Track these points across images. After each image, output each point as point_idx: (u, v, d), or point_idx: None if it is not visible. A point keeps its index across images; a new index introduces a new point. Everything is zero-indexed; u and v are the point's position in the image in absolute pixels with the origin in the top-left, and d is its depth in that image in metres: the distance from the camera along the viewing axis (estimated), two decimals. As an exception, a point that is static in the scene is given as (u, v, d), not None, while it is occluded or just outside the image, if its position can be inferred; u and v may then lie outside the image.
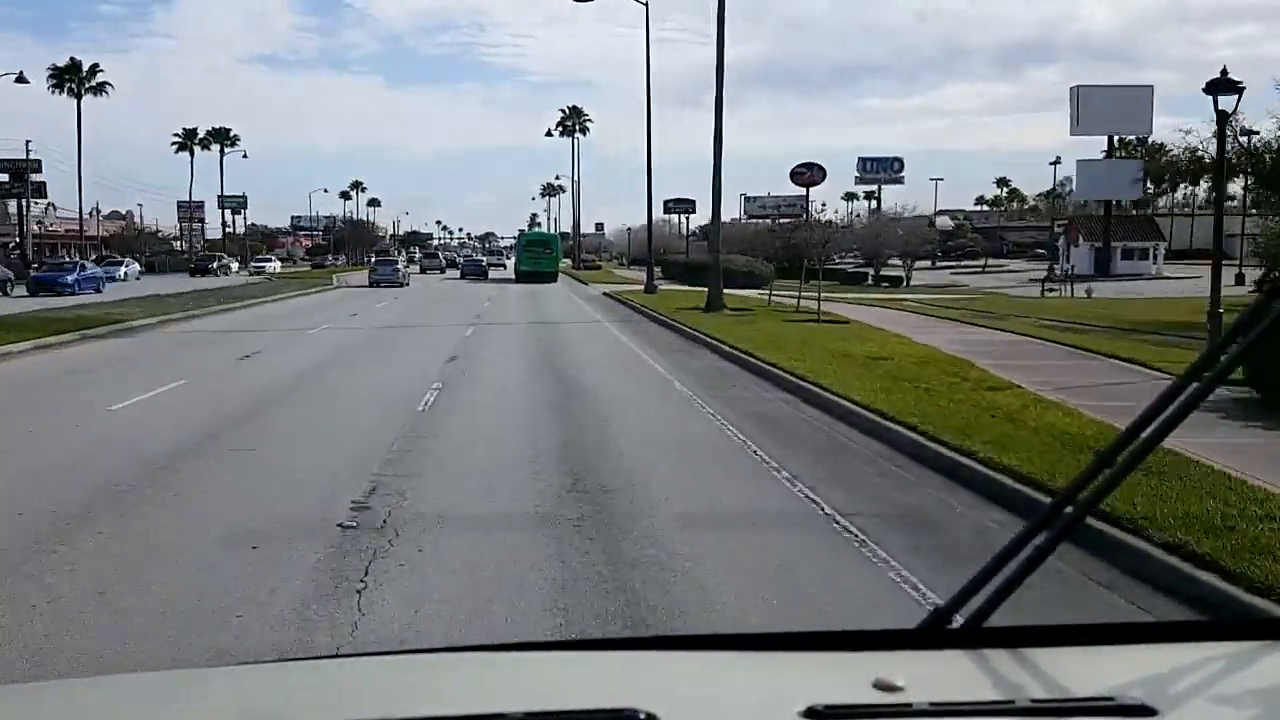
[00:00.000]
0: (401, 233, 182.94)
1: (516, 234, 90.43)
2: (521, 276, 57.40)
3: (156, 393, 12.88)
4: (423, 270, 78.22)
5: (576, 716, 1.15)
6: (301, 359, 17.72)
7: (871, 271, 61.94)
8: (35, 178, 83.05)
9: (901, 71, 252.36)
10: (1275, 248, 26.98)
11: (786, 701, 1.14)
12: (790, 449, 9.71)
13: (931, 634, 1.44)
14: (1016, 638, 1.36)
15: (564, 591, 5.47)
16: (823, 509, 7.24)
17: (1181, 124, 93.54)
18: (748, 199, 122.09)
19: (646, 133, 39.47)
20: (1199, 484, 7.11)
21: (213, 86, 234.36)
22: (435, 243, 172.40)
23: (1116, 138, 71.38)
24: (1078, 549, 5.66)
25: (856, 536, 6.54)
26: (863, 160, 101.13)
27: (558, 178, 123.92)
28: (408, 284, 52.89)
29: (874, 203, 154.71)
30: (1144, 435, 1.34)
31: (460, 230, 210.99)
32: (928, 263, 77.32)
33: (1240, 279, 38.23)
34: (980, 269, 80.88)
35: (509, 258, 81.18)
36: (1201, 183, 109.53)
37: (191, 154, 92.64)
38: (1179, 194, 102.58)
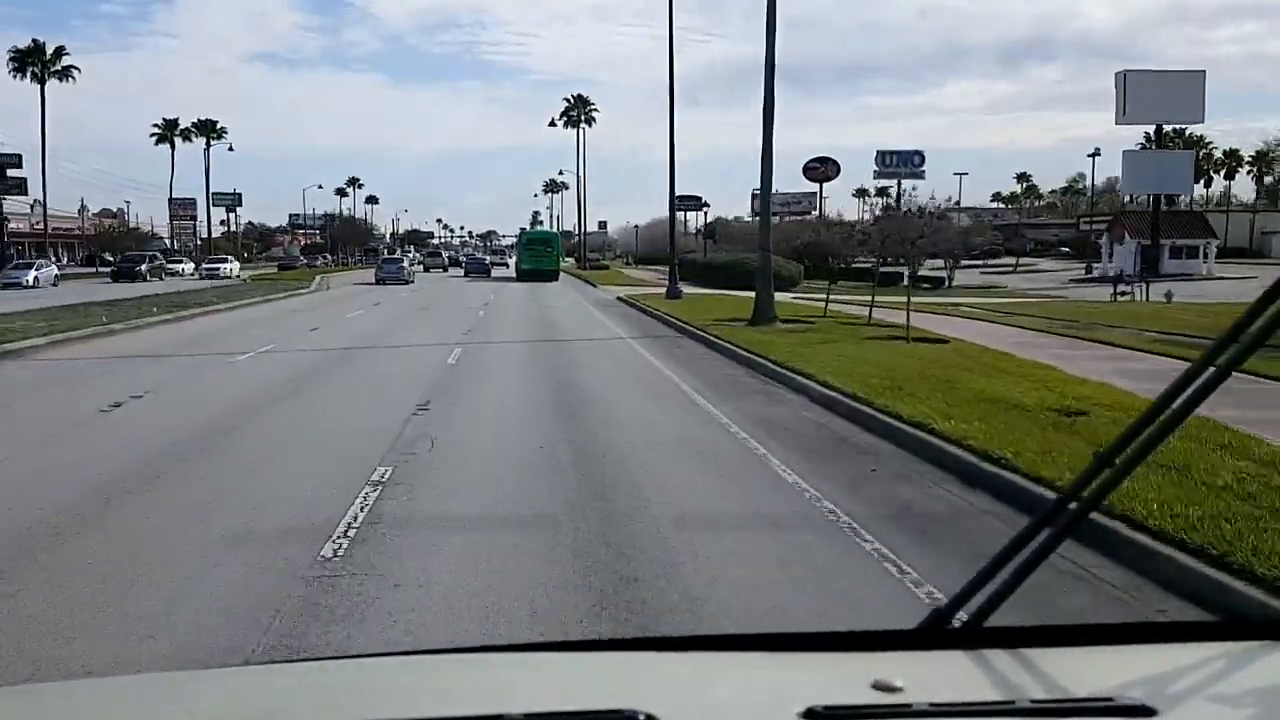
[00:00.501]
0: (401, 231, 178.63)
1: (518, 232, 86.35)
2: (523, 275, 56.46)
3: None
4: (426, 269, 79.44)
5: (577, 717, 1.13)
6: (195, 413, 11.49)
7: (907, 272, 56.11)
8: (14, 173, 77.58)
9: (903, 70, 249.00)
10: None
11: (786, 702, 1.12)
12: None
13: (931, 634, 1.42)
14: (1016, 638, 1.33)
15: None
16: None
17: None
18: (755, 195, 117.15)
19: (669, 120, 33.71)
20: None
21: (214, 85, 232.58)
22: (436, 241, 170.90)
23: (1152, 128, 65.81)
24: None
25: None
26: (881, 154, 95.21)
27: (561, 172, 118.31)
28: (412, 281, 55.12)
29: (884, 199, 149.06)
30: (1145, 432, 1.31)
31: (461, 229, 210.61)
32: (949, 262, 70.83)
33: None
34: (1011, 268, 75.42)
35: (510, 256, 79.19)
36: (1238, 176, 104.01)
37: (172, 146, 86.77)
38: (1213, 189, 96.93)
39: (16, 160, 77.89)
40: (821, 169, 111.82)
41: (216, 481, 7.92)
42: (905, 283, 55.70)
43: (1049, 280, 67.56)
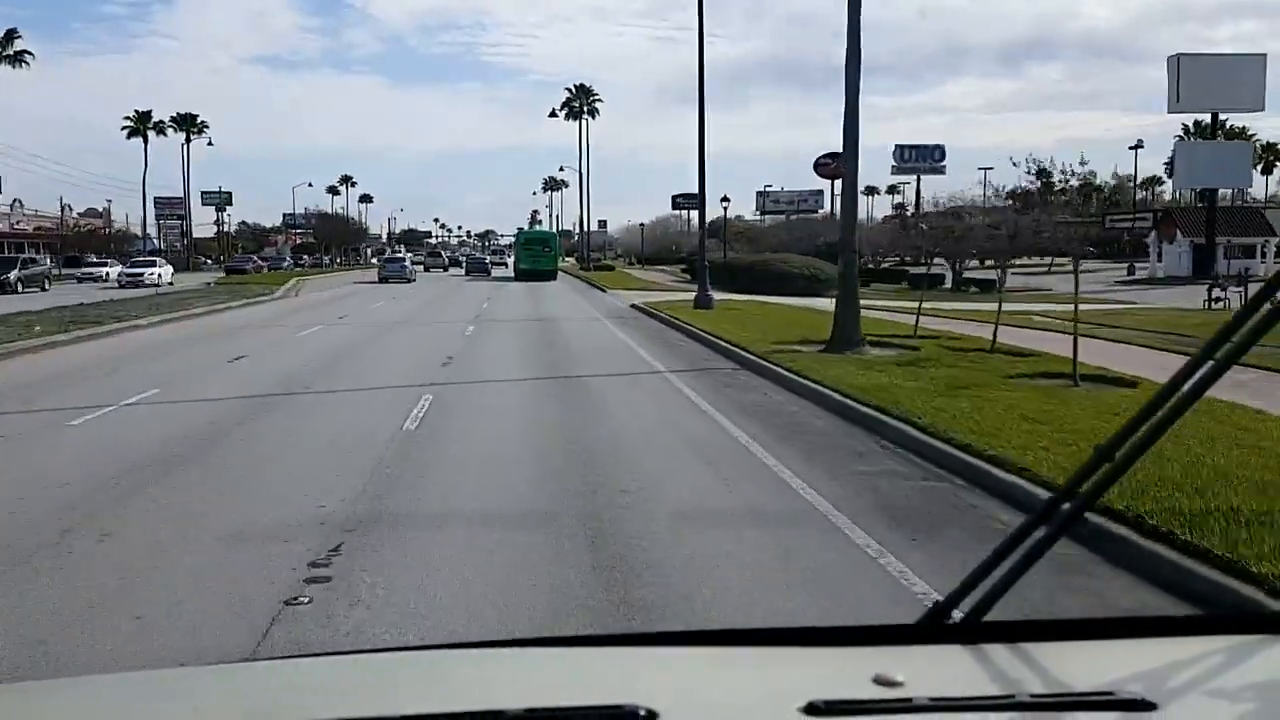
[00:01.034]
0: (398, 231, 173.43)
1: (515, 232, 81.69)
2: (521, 275, 55.43)
3: None
4: (426, 268, 78.89)
5: (576, 713, 1.11)
6: None
7: (951, 274, 50.05)
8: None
9: (903, 69, 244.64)
10: None
11: (787, 697, 1.11)
12: None
13: (931, 629, 1.42)
14: (1016, 632, 1.32)
15: None
16: None
17: (1182, 120, 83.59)
18: (760, 194, 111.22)
19: (699, 111, 27.53)
20: None
21: (214, 86, 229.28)
22: (434, 241, 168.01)
23: (1203, 118, 60.02)
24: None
25: None
26: (900, 148, 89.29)
27: (561, 168, 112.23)
28: (414, 280, 56.07)
29: (899, 195, 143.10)
30: (1145, 428, 1.30)
31: (459, 228, 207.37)
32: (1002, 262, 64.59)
33: None
34: (1045, 269, 69.59)
35: (509, 256, 77.38)
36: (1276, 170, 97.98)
37: (145, 140, 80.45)
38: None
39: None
40: (833, 165, 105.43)
41: None
42: (946, 285, 49.82)
43: (1091, 282, 61.78)
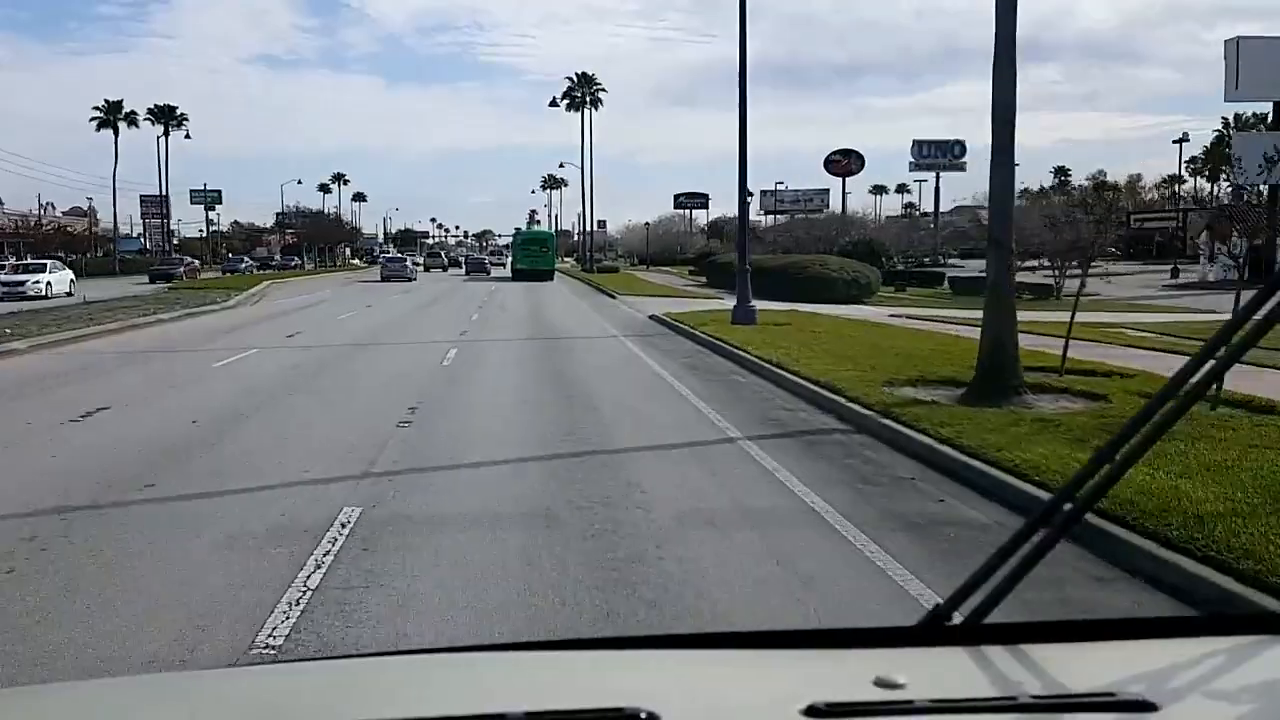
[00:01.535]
0: (394, 230, 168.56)
1: (513, 232, 78.84)
2: (518, 274, 55.60)
3: None
4: (426, 269, 79.59)
5: (577, 716, 1.09)
6: None
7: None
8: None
9: (902, 69, 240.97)
10: None
11: (787, 699, 1.10)
12: None
13: (931, 631, 1.39)
14: (1016, 634, 1.31)
15: None
16: None
17: (1181, 121, 78.70)
18: (765, 193, 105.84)
19: (740, 103, 21.93)
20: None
21: (212, 86, 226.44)
22: (430, 241, 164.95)
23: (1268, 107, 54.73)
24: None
25: None
26: (918, 144, 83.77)
27: (562, 164, 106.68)
28: (415, 279, 57.99)
29: (908, 194, 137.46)
30: (1146, 429, 1.29)
31: (456, 228, 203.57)
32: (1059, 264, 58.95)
33: None
34: (1080, 271, 64.29)
35: (508, 256, 76.33)
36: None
37: (116, 132, 74.56)
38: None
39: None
40: (844, 162, 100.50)
41: None
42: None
43: (1134, 286, 56.48)
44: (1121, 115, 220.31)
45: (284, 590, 5.11)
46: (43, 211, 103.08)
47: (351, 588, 5.19)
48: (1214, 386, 10.47)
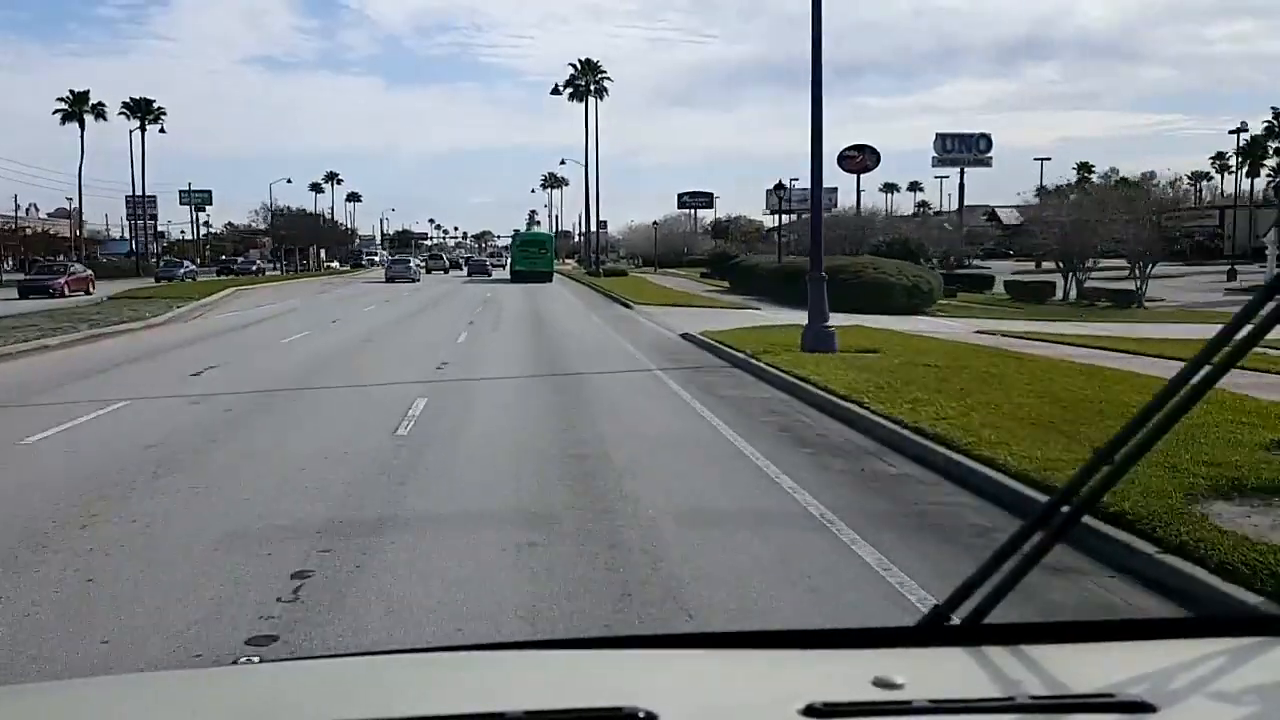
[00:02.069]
0: (391, 232, 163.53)
1: (512, 233, 79.01)
2: (516, 276, 56.10)
3: None
4: (428, 270, 78.44)
5: (577, 715, 1.08)
6: None
7: (1062, 284, 38.89)
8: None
9: (900, 69, 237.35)
10: None
11: (786, 699, 1.09)
12: None
13: (930, 631, 1.38)
14: (1015, 634, 1.29)
15: None
16: None
17: (1180, 120, 73.90)
18: (769, 192, 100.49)
19: (813, 96, 16.41)
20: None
21: (211, 87, 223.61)
22: (429, 242, 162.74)
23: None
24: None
25: None
26: (941, 138, 78.23)
27: (563, 161, 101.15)
28: (419, 280, 59.92)
29: (920, 193, 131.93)
30: (1145, 430, 1.26)
31: (455, 229, 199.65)
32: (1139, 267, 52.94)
33: None
34: (1128, 273, 58.90)
35: (507, 257, 75.95)
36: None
37: (82, 125, 68.81)
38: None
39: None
40: (859, 158, 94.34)
41: None
42: (1059, 296, 38.75)
43: (1191, 289, 51.10)
44: (1120, 114, 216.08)
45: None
46: (25, 213, 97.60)
47: None
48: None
